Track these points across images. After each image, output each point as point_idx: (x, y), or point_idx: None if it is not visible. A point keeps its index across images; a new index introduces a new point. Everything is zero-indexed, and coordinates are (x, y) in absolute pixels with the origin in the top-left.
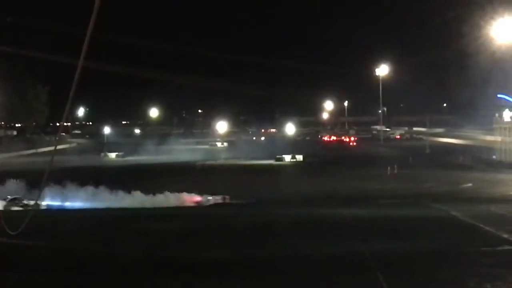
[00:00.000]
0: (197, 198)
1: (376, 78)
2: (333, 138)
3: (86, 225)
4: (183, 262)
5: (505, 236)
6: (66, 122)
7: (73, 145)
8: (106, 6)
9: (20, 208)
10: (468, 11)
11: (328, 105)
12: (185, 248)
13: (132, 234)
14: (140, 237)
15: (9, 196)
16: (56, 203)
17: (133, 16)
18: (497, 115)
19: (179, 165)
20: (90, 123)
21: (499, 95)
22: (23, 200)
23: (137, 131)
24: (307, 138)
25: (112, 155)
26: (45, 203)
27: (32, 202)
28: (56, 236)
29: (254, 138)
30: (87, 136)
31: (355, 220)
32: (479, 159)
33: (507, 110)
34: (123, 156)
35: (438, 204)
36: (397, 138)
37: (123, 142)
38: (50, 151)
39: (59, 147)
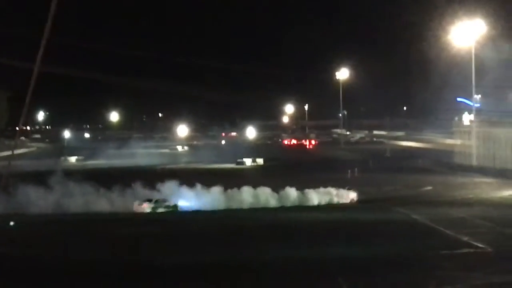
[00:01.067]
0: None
1: (337, 82)
2: (294, 142)
3: None
4: None
5: (465, 239)
6: (26, 126)
7: (33, 149)
8: (64, 11)
9: (165, 210)
10: (428, 16)
11: (289, 108)
12: None
13: None
14: None
15: (152, 198)
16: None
17: (93, 21)
18: (456, 118)
19: (139, 169)
20: (50, 127)
21: (458, 99)
22: (166, 201)
23: (87, 135)
24: (268, 142)
25: (72, 159)
26: (182, 204)
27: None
28: None
29: (215, 142)
30: (46, 140)
31: (315, 224)
32: (439, 162)
33: (466, 113)
34: (83, 160)
35: (399, 207)
36: (356, 142)
37: (83, 146)
38: (9, 156)
39: (19, 151)
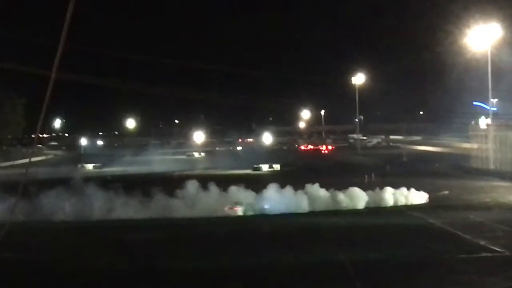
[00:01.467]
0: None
1: (353, 86)
2: (310, 147)
3: None
4: None
5: (483, 243)
6: (43, 134)
7: (50, 156)
8: (79, 17)
9: (253, 213)
10: (444, 19)
11: (305, 114)
12: None
13: None
14: None
15: (241, 202)
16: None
17: (108, 26)
18: (473, 122)
19: (157, 176)
20: (67, 134)
21: (475, 103)
22: (253, 204)
23: (100, 142)
24: (284, 147)
25: (89, 166)
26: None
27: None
28: None
29: (231, 148)
30: (63, 147)
31: (333, 229)
32: (456, 166)
33: (483, 117)
34: (100, 167)
35: (416, 211)
36: (373, 147)
37: (99, 153)
38: (26, 163)
39: (36, 159)
